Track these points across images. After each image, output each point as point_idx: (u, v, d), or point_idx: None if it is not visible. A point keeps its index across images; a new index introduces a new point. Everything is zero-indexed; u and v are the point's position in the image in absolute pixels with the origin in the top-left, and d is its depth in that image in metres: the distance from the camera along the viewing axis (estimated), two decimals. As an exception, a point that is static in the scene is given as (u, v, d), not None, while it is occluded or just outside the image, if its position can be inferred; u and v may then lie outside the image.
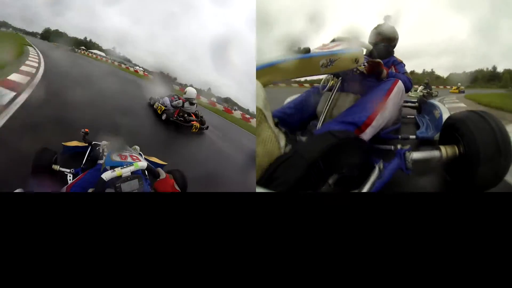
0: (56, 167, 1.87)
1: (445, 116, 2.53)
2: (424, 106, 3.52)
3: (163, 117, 4.24)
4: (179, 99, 4.41)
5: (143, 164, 1.46)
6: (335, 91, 2.09)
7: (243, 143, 4.91)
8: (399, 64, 2.55)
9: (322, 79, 2.39)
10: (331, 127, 1.70)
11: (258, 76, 1.56)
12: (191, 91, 4.45)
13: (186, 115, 4.32)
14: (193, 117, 4.37)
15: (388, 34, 2.58)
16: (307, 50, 1.73)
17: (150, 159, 2.32)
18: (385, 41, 2.57)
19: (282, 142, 1.38)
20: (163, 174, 1.47)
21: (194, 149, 3.93)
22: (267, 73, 1.61)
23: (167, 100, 4.46)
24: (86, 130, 2.21)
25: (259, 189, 1.17)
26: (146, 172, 1.60)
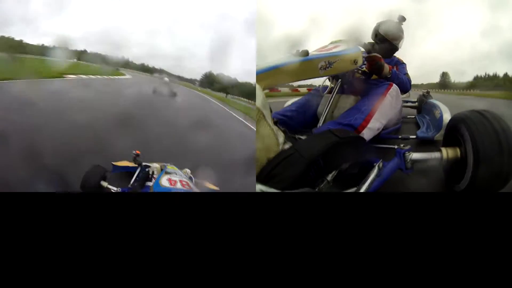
0: (104, 184, 1.90)
1: (446, 115, 2.53)
2: (424, 106, 3.52)
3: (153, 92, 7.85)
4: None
5: None
6: (335, 93, 2.10)
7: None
8: (401, 64, 2.56)
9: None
10: (329, 127, 1.72)
11: (258, 80, 1.58)
12: (164, 79, 8.85)
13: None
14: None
15: (391, 30, 2.54)
16: (306, 53, 1.75)
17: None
18: (389, 40, 2.54)
19: (281, 138, 1.40)
20: None
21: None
22: (267, 77, 1.64)
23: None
24: (137, 152, 2.19)
25: (258, 188, 1.18)
26: None
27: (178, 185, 1.57)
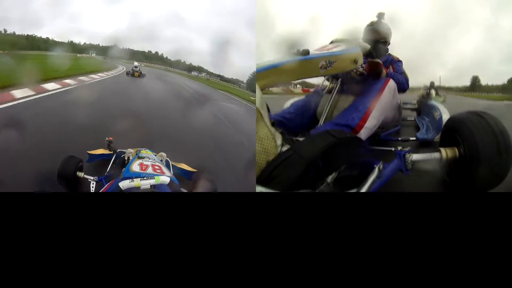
0: (80, 174, 1.88)
1: (445, 117, 2.54)
2: (424, 108, 3.53)
3: (126, 73, 9.89)
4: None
5: (165, 179, 1.42)
6: (334, 93, 2.09)
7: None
8: (397, 62, 2.54)
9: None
10: (327, 128, 1.71)
11: (258, 79, 1.57)
12: (135, 63, 10.43)
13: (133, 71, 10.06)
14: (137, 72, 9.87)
15: (383, 32, 2.58)
16: (306, 52, 1.74)
17: (179, 166, 2.26)
18: (381, 39, 2.57)
19: (279, 140, 1.39)
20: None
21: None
22: (267, 76, 1.63)
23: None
24: (110, 138, 2.21)
25: (258, 189, 1.17)
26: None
27: (150, 170, 1.55)
